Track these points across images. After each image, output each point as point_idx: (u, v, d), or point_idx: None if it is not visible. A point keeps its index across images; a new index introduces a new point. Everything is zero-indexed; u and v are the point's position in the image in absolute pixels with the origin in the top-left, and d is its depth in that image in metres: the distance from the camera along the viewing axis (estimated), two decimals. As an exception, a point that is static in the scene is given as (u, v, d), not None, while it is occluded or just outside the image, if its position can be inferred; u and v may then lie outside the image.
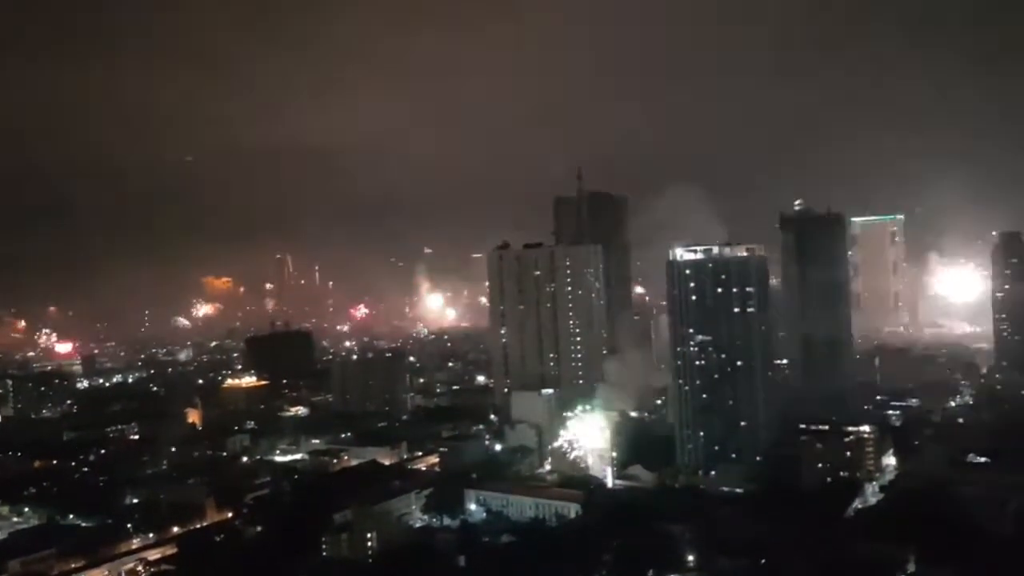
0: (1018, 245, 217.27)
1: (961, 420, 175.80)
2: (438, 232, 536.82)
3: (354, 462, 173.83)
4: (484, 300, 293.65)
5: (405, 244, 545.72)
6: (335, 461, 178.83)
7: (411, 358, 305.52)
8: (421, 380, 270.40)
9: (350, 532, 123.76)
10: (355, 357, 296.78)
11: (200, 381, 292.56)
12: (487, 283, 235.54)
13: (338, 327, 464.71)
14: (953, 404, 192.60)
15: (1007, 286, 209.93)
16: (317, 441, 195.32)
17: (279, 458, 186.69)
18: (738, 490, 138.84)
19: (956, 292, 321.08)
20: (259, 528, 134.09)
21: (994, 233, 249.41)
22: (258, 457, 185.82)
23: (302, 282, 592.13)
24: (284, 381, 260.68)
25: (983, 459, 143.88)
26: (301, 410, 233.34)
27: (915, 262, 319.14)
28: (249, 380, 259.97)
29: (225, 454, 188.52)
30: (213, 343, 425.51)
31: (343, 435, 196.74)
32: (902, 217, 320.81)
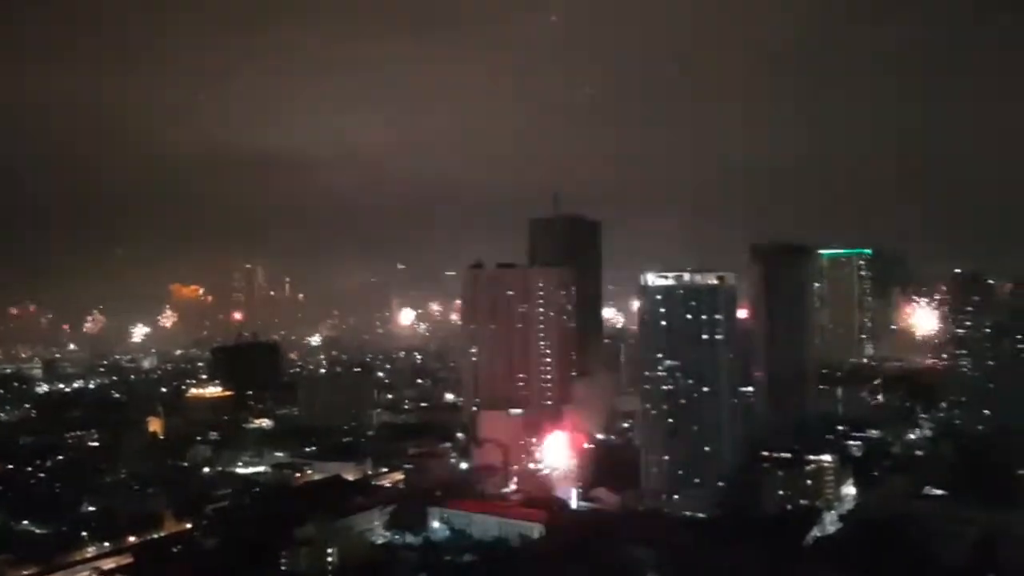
0: (978, 285, 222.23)
1: (920, 452, 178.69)
2: (412, 249, 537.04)
3: (318, 476, 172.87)
4: (456, 318, 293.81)
5: (378, 259, 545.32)
6: (298, 475, 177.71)
7: (380, 373, 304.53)
8: (389, 396, 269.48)
9: (311, 547, 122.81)
10: (323, 371, 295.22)
11: (163, 389, 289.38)
12: (459, 301, 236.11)
13: (306, 341, 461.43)
14: (913, 436, 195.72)
15: (968, 323, 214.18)
16: (281, 454, 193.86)
17: (241, 470, 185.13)
18: (700, 515, 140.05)
19: (919, 327, 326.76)
20: (218, 540, 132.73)
21: (956, 271, 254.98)
22: (220, 468, 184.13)
23: (272, 293, 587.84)
24: (249, 393, 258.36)
25: (940, 492, 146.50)
26: (266, 422, 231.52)
27: (880, 296, 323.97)
28: (214, 390, 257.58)
29: (186, 464, 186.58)
30: (178, 351, 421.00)
31: (307, 449, 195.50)
32: (869, 252, 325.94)
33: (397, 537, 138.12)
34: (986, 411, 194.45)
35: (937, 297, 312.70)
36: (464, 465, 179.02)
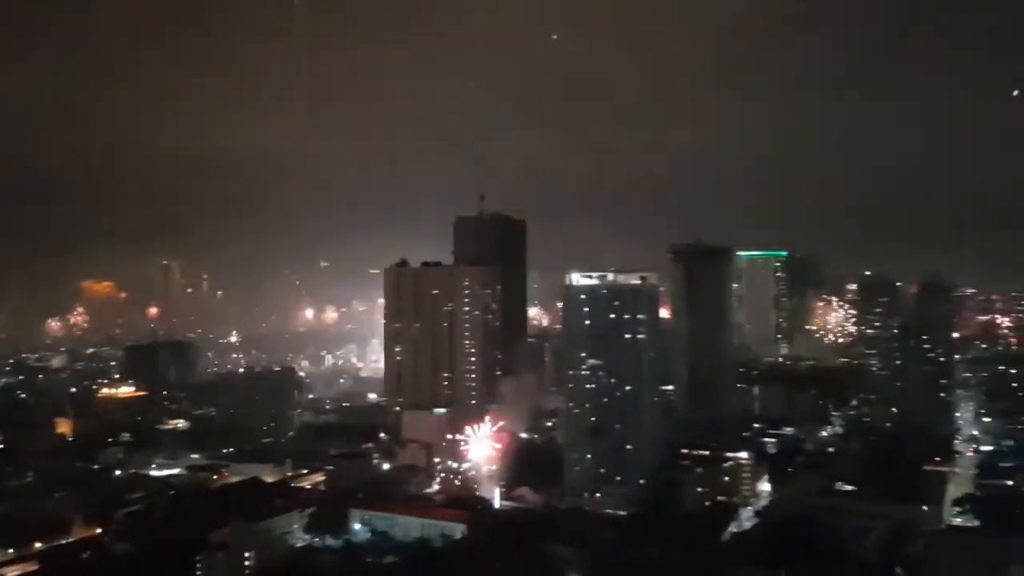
0: (885, 287, 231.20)
1: (831, 449, 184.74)
2: (335, 246, 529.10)
3: (235, 479, 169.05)
4: (379, 317, 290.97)
5: (300, 257, 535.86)
6: (215, 477, 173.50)
7: (301, 373, 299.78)
8: (310, 396, 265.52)
9: (227, 551, 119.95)
10: (241, 370, 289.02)
11: (73, 389, 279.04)
12: (383, 300, 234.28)
13: (224, 340, 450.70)
14: (825, 433, 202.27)
15: (876, 324, 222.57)
16: (197, 456, 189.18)
17: (155, 472, 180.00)
18: (621, 512, 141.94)
19: (830, 327, 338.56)
20: (130, 545, 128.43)
21: (865, 274, 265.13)
22: (132, 471, 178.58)
23: (189, 291, 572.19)
24: (164, 393, 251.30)
25: (851, 487, 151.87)
26: (181, 423, 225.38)
27: (794, 297, 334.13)
28: (127, 390, 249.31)
29: (97, 467, 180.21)
30: (90, 350, 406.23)
31: (225, 450, 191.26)
32: (785, 254, 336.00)
33: (317, 540, 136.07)
34: (893, 408, 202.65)
35: (847, 298, 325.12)
36: (387, 465, 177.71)
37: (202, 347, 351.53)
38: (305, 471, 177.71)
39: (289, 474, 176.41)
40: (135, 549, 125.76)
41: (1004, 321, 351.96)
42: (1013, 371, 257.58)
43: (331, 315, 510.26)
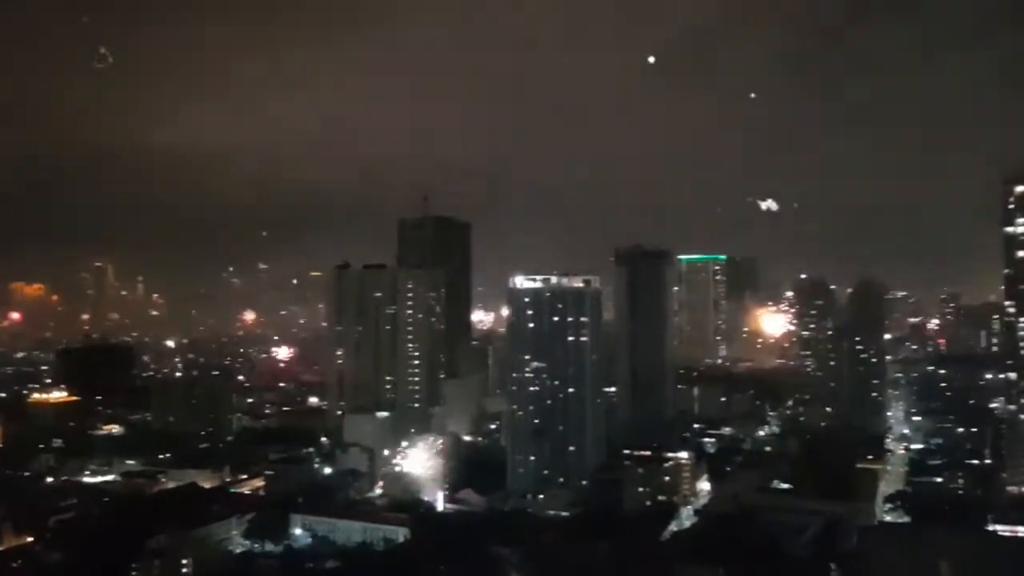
0: (820, 289, 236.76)
1: (769, 448, 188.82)
2: (276, 249, 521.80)
3: (172, 485, 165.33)
4: (321, 320, 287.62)
5: (239, 259, 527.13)
6: (151, 484, 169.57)
7: (240, 377, 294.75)
8: (249, 400, 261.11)
9: (163, 559, 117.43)
10: (178, 374, 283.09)
11: (2, 394, 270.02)
12: (325, 303, 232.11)
13: (160, 343, 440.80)
14: (762, 433, 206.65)
15: (812, 325, 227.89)
16: (132, 462, 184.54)
17: (89, 479, 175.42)
18: (564, 513, 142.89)
19: (768, 330, 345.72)
20: (62, 554, 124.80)
21: (801, 277, 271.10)
22: (65, 478, 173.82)
23: (124, 293, 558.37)
24: (98, 398, 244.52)
25: (786, 486, 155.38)
26: (116, 429, 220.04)
27: (733, 300, 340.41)
28: (59, 395, 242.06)
29: (27, 474, 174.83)
30: (20, 354, 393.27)
31: (161, 456, 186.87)
32: (723, 258, 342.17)
33: (256, 546, 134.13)
34: (828, 408, 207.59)
35: (784, 301, 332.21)
36: (328, 470, 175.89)
37: (138, 351, 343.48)
38: (244, 476, 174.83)
39: (228, 480, 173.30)
40: (68, 558, 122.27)
41: (933, 322, 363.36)
42: (942, 371, 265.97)
43: (272, 318, 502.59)
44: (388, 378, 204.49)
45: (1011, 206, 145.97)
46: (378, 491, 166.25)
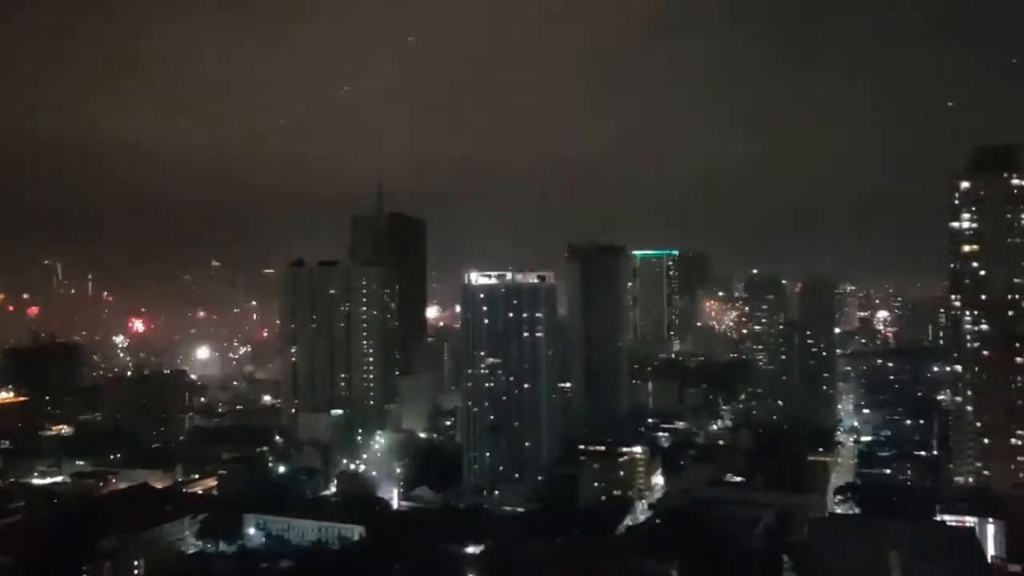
0: (772, 285, 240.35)
1: (722, 442, 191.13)
2: (227, 245, 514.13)
3: (123, 485, 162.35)
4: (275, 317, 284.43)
5: (191, 256, 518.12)
6: (101, 484, 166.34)
7: (192, 376, 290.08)
8: (202, 399, 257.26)
9: (114, 561, 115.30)
10: (129, 373, 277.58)
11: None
12: (279, 300, 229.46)
13: (110, 342, 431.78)
14: (715, 427, 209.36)
15: (763, 320, 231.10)
16: (82, 463, 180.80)
17: (37, 481, 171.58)
18: (520, 509, 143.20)
19: (720, 324, 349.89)
20: (10, 558, 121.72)
21: (753, 272, 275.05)
22: (13, 480, 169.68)
23: (73, 292, 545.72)
24: (47, 398, 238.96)
25: (739, 478, 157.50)
26: (65, 429, 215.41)
27: (686, 295, 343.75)
28: (6, 396, 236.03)
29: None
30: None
31: (112, 456, 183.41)
32: (676, 253, 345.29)
33: (210, 546, 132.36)
34: (779, 402, 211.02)
35: (736, 296, 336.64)
36: (282, 469, 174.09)
37: (87, 349, 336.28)
38: (197, 476, 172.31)
39: (180, 480, 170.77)
40: (16, 562, 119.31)
41: (882, 316, 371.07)
42: (890, 364, 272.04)
43: (225, 316, 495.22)
44: (343, 375, 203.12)
45: (957, 202, 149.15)
46: (333, 489, 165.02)
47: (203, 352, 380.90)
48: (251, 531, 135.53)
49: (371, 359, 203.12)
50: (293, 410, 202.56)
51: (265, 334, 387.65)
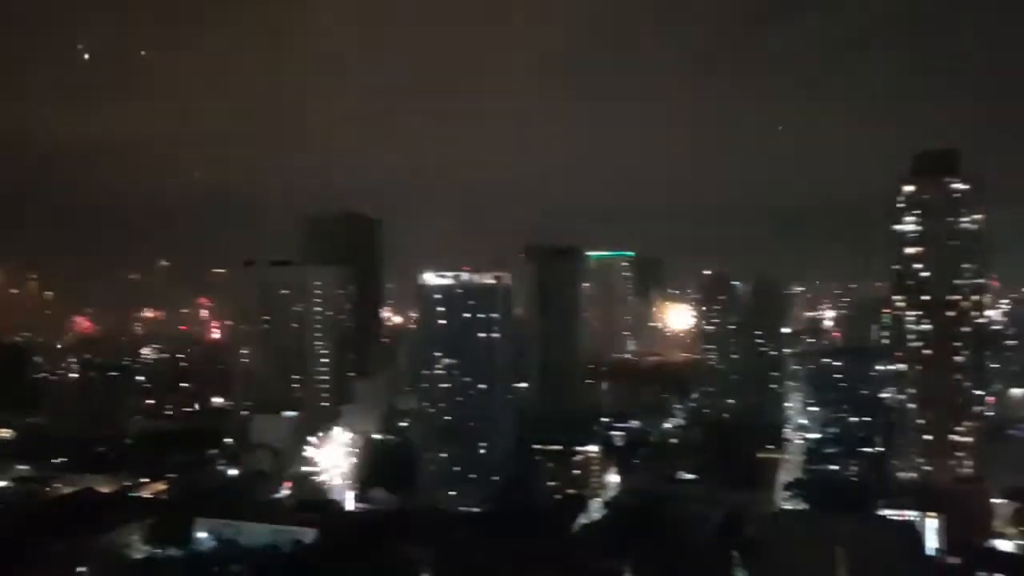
0: (723, 285, 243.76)
1: (674, 440, 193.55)
2: (176, 244, 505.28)
3: (68, 490, 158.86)
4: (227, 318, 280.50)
5: (138, 255, 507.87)
6: (46, 489, 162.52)
7: (139, 377, 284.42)
8: (150, 401, 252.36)
9: (59, 568, 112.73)
10: (74, 375, 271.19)
11: None
12: (230, 300, 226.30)
13: (54, 343, 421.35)
14: (668, 425, 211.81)
15: (715, 320, 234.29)
16: (25, 467, 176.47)
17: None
18: (475, 509, 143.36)
19: (673, 324, 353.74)
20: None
21: (705, 273, 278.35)
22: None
23: (14, 292, 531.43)
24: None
25: (691, 476, 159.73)
26: (7, 433, 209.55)
27: (640, 296, 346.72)
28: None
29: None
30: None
31: (56, 461, 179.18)
32: (631, 254, 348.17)
33: (158, 552, 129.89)
34: (730, 400, 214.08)
35: (689, 297, 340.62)
36: (233, 472, 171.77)
37: (30, 351, 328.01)
38: (145, 480, 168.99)
39: (127, 484, 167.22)
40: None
41: (828, 316, 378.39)
42: (836, 363, 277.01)
43: (175, 316, 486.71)
44: (295, 377, 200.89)
45: (901, 205, 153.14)
46: (286, 492, 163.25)
47: (150, 352, 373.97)
48: (201, 535, 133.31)
49: (325, 360, 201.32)
50: (244, 412, 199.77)
51: (216, 335, 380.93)
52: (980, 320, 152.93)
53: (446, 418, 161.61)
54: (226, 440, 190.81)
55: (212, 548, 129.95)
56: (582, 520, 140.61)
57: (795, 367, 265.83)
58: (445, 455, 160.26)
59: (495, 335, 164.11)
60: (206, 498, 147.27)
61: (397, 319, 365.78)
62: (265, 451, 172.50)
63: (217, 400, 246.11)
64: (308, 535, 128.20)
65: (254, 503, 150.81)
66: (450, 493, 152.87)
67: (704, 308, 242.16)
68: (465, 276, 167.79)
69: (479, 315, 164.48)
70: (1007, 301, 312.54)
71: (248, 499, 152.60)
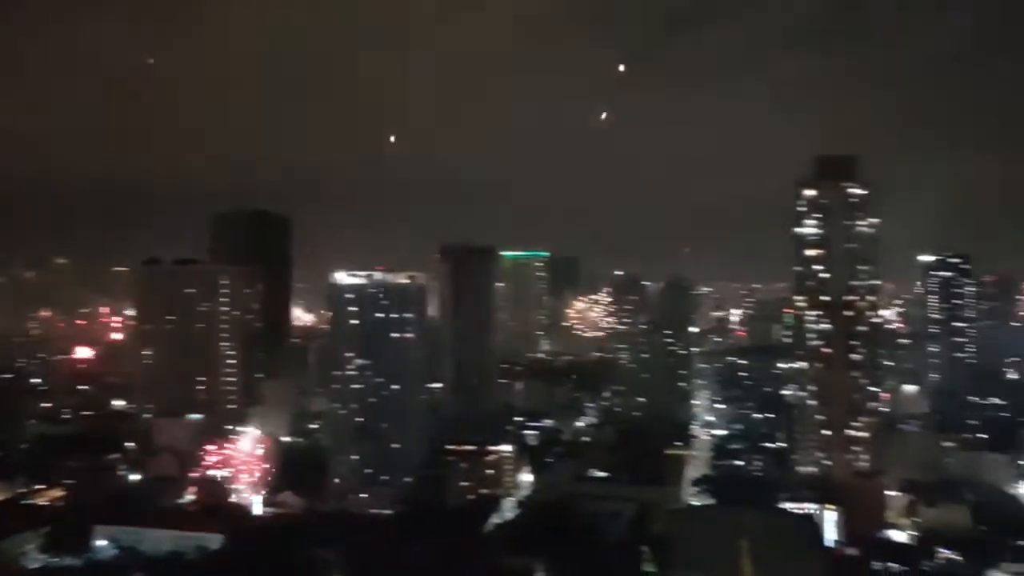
0: (635, 286, 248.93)
1: (587, 439, 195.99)
2: (75, 242, 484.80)
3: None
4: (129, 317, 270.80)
5: (34, 253, 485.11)
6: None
7: (35, 380, 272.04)
8: (46, 405, 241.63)
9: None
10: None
11: None
12: (132, 301, 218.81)
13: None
14: (581, 424, 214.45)
15: (627, 320, 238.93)
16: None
17: None
18: (387, 511, 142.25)
19: (587, 324, 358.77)
20: None
21: (618, 273, 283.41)
22: None
23: None
24: None
25: (603, 474, 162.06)
26: None
27: (554, 296, 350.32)
28: None
29: None
30: None
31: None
32: (546, 255, 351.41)
33: (55, 560, 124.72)
34: (641, 398, 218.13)
35: (602, 297, 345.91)
36: (135, 477, 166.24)
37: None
38: (41, 487, 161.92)
39: (22, 491, 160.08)
40: None
41: (734, 315, 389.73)
42: (742, 362, 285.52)
43: (74, 315, 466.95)
44: (201, 378, 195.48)
45: (801, 208, 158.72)
46: (190, 497, 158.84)
47: (46, 354, 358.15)
48: (101, 543, 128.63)
49: (232, 361, 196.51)
50: (147, 415, 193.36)
51: (117, 335, 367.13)
52: (875, 320, 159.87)
53: (358, 419, 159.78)
54: (127, 444, 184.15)
55: (112, 556, 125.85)
56: (495, 520, 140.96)
57: (703, 366, 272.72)
58: (357, 457, 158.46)
59: (408, 335, 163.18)
60: (106, 504, 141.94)
61: (308, 319, 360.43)
62: (169, 455, 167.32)
63: (118, 403, 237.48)
64: (213, 541, 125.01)
65: (157, 509, 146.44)
66: (361, 496, 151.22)
67: (616, 308, 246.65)
68: (378, 276, 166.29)
69: (392, 315, 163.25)
70: (900, 301, 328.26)
71: (150, 505, 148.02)
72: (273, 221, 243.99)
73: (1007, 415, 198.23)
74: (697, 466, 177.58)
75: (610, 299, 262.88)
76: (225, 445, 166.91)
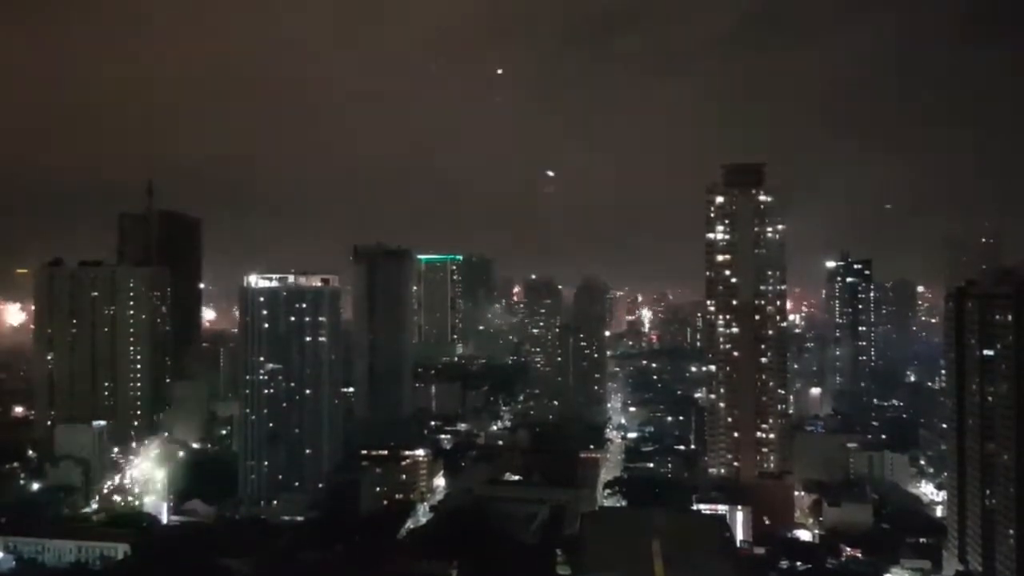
0: (549, 289, 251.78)
1: (501, 442, 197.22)
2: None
3: None
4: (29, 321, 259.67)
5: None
6: None
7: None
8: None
9: None
10: None
11: None
12: (33, 303, 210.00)
13: None
14: (495, 427, 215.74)
15: (541, 323, 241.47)
16: None
17: None
18: (299, 518, 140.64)
19: (495, 327, 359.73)
20: None
21: (532, 277, 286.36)
22: None
23: None
24: None
25: (518, 477, 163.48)
26: None
27: (469, 299, 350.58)
28: None
29: None
30: None
31: None
32: (460, 258, 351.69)
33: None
34: (555, 402, 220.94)
35: (516, 300, 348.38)
36: (37, 486, 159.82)
37: None
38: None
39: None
40: None
41: (647, 319, 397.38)
42: (654, 365, 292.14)
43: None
44: (106, 384, 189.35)
45: (712, 215, 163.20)
46: (95, 506, 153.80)
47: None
48: (0, 555, 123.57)
49: (139, 366, 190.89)
50: (49, 422, 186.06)
51: (17, 339, 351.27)
52: (782, 324, 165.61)
53: (270, 425, 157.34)
54: (29, 452, 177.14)
55: (12, 568, 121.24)
56: (409, 524, 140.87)
57: (616, 369, 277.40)
58: (268, 463, 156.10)
59: (322, 339, 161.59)
60: (5, 514, 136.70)
61: (219, 322, 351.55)
62: (72, 463, 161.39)
63: (19, 409, 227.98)
64: (119, 551, 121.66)
65: (60, 519, 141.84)
66: (273, 503, 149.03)
67: (530, 311, 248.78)
68: (291, 278, 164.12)
69: (306, 318, 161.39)
70: (805, 305, 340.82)
71: (53, 515, 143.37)
72: (183, 222, 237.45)
73: (906, 416, 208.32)
74: (610, 468, 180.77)
75: (524, 302, 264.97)
76: (132, 452, 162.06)
